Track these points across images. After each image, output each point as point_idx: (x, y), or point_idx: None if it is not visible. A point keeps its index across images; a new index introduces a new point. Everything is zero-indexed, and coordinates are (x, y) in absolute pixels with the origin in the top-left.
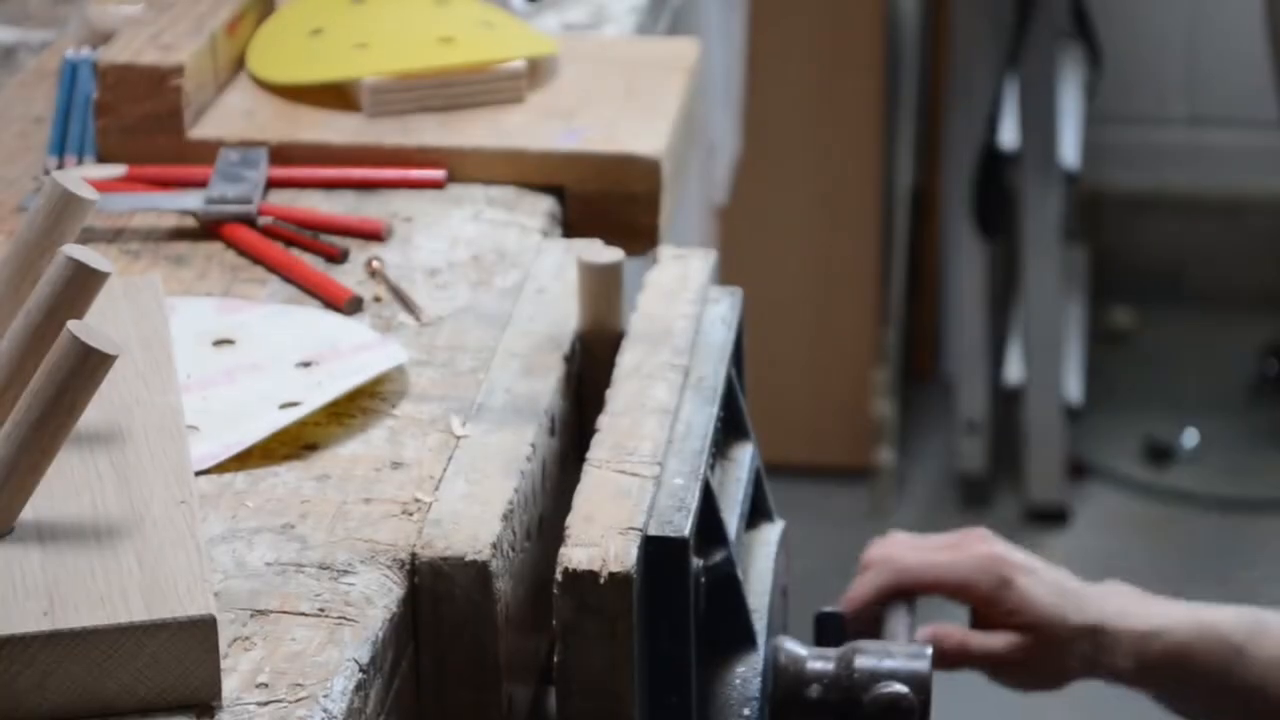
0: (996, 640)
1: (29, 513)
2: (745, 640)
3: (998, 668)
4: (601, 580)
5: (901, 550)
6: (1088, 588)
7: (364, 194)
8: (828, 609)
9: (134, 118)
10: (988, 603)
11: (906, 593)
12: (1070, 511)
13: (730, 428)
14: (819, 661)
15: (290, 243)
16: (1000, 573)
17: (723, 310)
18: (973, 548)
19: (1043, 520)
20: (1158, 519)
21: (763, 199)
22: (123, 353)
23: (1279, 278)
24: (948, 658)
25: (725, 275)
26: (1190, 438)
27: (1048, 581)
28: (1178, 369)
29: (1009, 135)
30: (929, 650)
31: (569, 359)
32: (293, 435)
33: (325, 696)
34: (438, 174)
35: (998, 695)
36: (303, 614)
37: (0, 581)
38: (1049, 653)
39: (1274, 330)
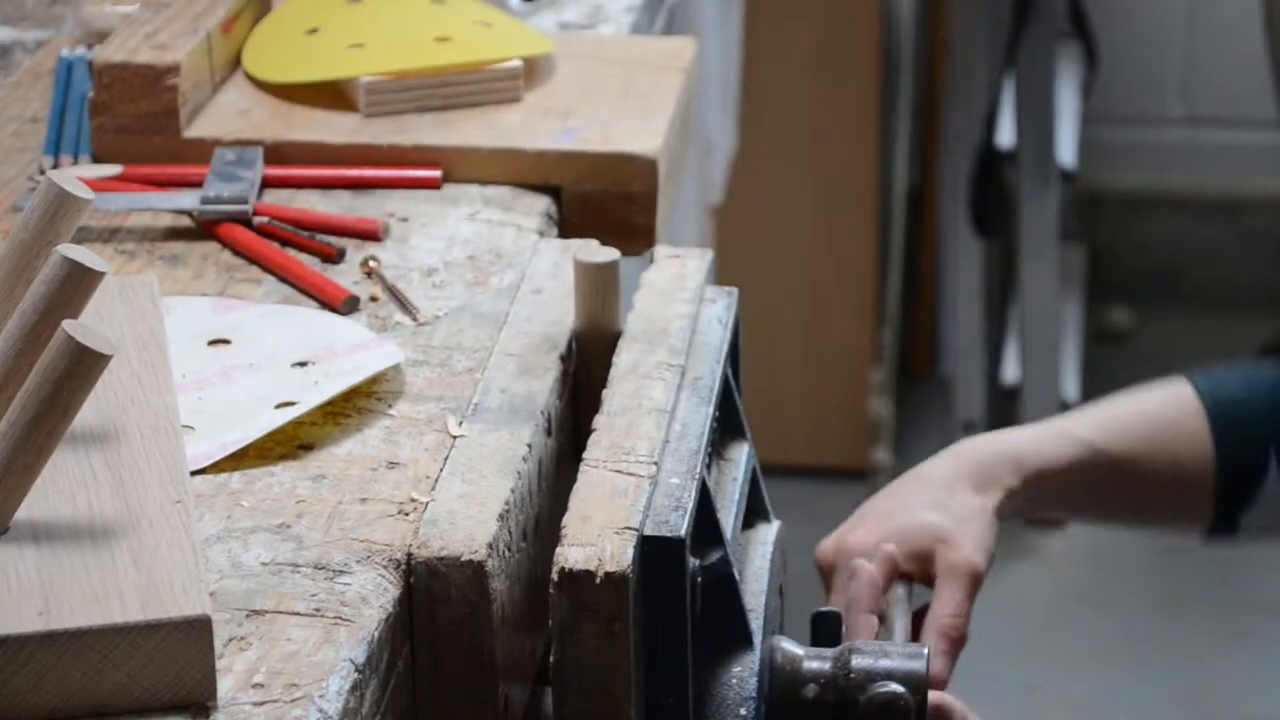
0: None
1: (24, 512)
2: (742, 640)
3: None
4: (598, 580)
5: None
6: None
7: (360, 193)
8: (824, 608)
9: (129, 117)
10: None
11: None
12: None
13: (726, 427)
14: (815, 661)
15: (286, 242)
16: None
17: (719, 310)
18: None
19: (1041, 520)
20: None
21: (759, 198)
22: (118, 352)
23: (1277, 277)
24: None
25: (722, 275)
26: None
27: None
28: (1174, 369)
29: (1006, 134)
30: (925, 650)
31: (565, 359)
32: (288, 435)
33: (321, 696)
34: (434, 173)
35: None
36: (298, 614)
37: None
38: (984, 539)
39: (1272, 329)
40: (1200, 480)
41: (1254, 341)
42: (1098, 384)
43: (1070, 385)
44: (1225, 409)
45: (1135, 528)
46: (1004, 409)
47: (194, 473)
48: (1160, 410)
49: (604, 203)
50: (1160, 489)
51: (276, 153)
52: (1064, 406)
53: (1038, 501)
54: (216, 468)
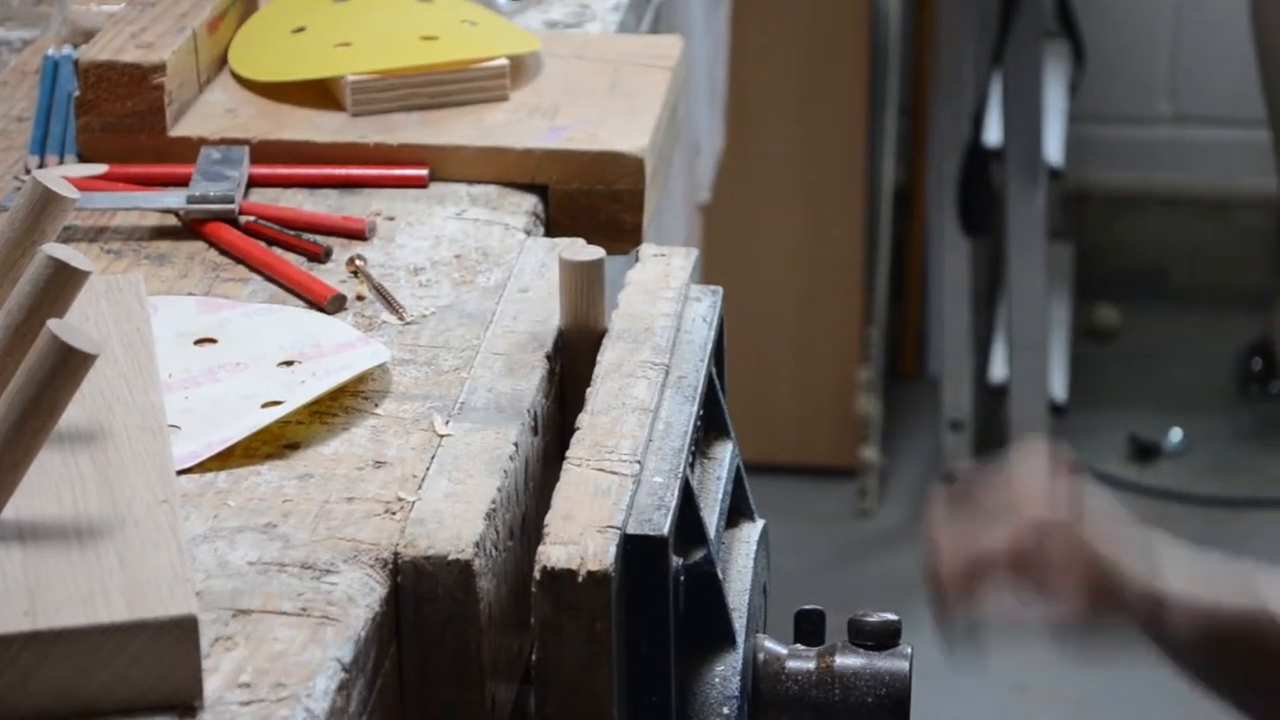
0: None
1: (10, 512)
2: (725, 639)
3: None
4: (580, 579)
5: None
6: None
7: (346, 192)
8: (808, 607)
9: (115, 116)
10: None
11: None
12: None
13: (711, 426)
14: (799, 660)
15: (272, 241)
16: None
17: (704, 308)
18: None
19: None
20: (1143, 517)
21: (747, 197)
22: (104, 352)
23: (1264, 275)
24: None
25: (709, 273)
26: (1175, 436)
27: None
28: (1163, 367)
29: (994, 133)
30: (909, 649)
31: (552, 358)
32: (275, 434)
33: (308, 696)
34: (420, 172)
35: (986, 694)
36: (285, 613)
37: None
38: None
39: (1259, 328)
40: None
41: (1241, 340)
42: (1085, 382)
43: (1058, 384)
44: None
45: None
46: (992, 408)
47: (180, 472)
48: None
49: (591, 201)
50: None
51: (263, 152)
52: (1052, 405)
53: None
54: (203, 467)
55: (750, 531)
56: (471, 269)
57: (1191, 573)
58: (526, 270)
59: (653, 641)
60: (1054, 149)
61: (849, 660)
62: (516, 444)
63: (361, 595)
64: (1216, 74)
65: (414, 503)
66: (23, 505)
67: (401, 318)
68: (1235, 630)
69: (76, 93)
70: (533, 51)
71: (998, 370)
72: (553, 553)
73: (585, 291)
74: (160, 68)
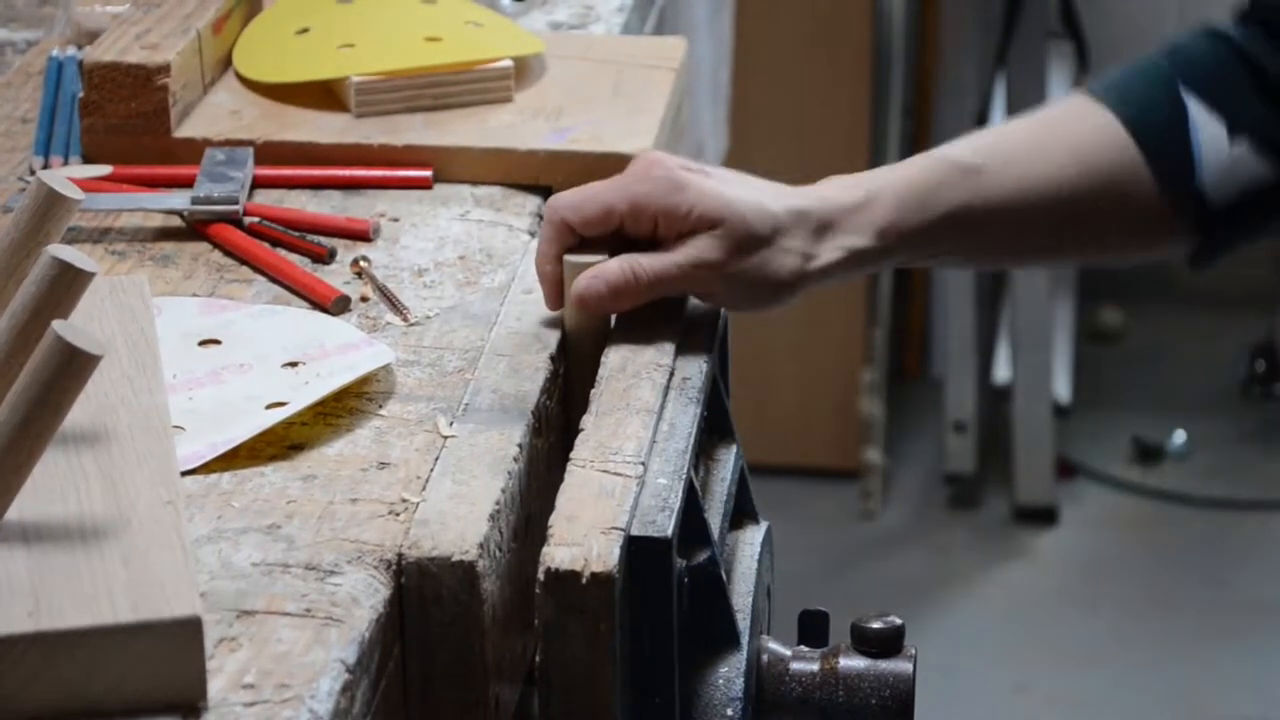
0: (683, 252)
1: (14, 513)
2: (728, 640)
3: (695, 281)
4: (584, 580)
5: (560, 196)
6: (778, 184)
7: (351, 194)
8: (812, 608)
9: (120, 117)
10: (667, 215)
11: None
12: (1059, 511)
13: (714, 428)
14: (802, 662)
15: (277, 242)
16: (671, 176)
17: (708, 310)
18: (634, 168)
19: (1031, 520)
20: (1146, 519)
21: None
22: (108, 353)
23: (1267, 278)
24: (625, 291)
25: None
26: (1178, 437)
27: (730, 177)
28: (1166, 369)
29: None
30: (913, 651)
31: (556, 359)
32: (279, 435)
33: (311, 697)
34: (425, 173)
35: (985, 695)
36: (289, 614)
37: None
38: (749, 250)
39: (1262, 330)
40: (1131, 171)
41: (1244, 342)
42: (1089, 384)
43: (1061, 385)
44: (1114, 84)
45: (1085, 256)
46: (995, 409)
47: (184, 473)
48: (1048, 117)
49: None
50: (1082, 194)
51: (267, 153)
52: (1056, 407)
53: (911, 251)
54: (207, 468)
55: (754, 533)
56: (475, 270)
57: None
58: (530, 271)
59: (656, 643)
60: None
61: (853, 662)
62: (521, 445)
63: (365, 596)
64: None
65: (418, 504)
66: (27, 506)
67: (405, 319)
68: (933, 181)
69: (81, 94)
70: (537, 53)
71: (1001, 372)
72: (557, 554)
73: None
74: (165, 69)
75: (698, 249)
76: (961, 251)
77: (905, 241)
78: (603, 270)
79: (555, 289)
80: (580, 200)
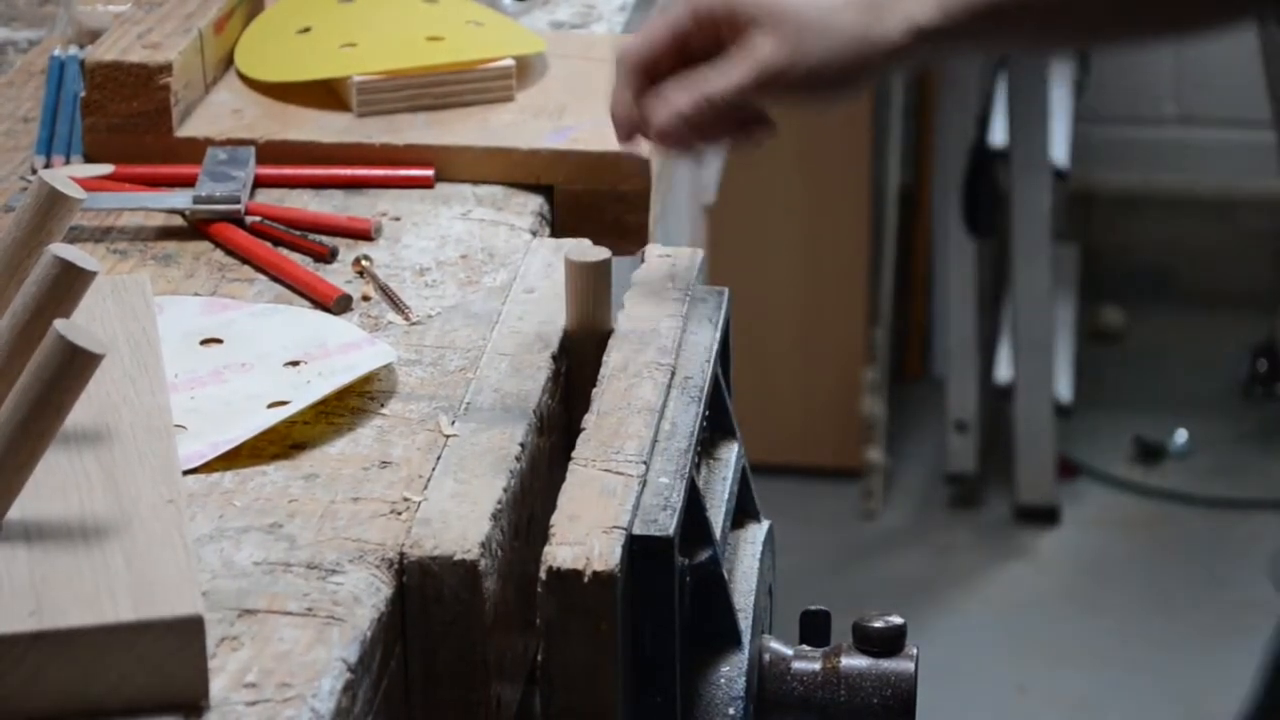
0: (745, 59)
1: (16, 512)
2: (730, 639)
3: (763, 86)
4: (586, 579)
5: (627, 42)
6: None
7: (352, 193)
8: (814, 608)
9: (121, 116)
10: (730, 14)
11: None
12: (1060, 511)
13: (716, 427)
14: (804, 661)
15: (278, 242)
16: None
17: (709, 309)
18: None
19: (1033, 520)
20: (1147, 518)
21: (752, 198)
22: (110, 352)
23: (1268, 277)
24: (700, 119)
25: (715, 274)
26: (1180, 437)
27: None
28: (1167, 368)
29: (999, 134)
30: (915, 650)
31: (558, 358)
32: (281, 434)
33: (313, 696)
34: (426, 173)
35: (987, 695)
36: (290, 614)
37: None
38: (810, 39)
39: (1263, 330)
40: None
41: (1246, 341)
42: (1090, 384)
43: (1063, 385)
44: None
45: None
46: (997, 409)
47: (186, 472)
48: None
49: (596, 202)
50: None
51: (268, 152)
52: (1057, 406)
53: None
54: (209, 467)
55: (756, 532)
56: (477, 269)
57: None
58: (532, 271)
59: (658, 642)
60: (1059, 150)
61: (855, 661)
62: (522, 444)
63: (367, 595)
64: (1222, 75)
65: (420, 503)
66: (29, 505)
67: (407, 318)
68: None
69: (82, 93)
70: (538, 52)
71: (1003, 371)
72: (559, 553)
73: (591, 292)
74: (166, 68)
75: (759, 51)
76: (1030, 34)
77: (975, 18)
78: (672, 103)
79: (628, 130)
80: (646, 34)
